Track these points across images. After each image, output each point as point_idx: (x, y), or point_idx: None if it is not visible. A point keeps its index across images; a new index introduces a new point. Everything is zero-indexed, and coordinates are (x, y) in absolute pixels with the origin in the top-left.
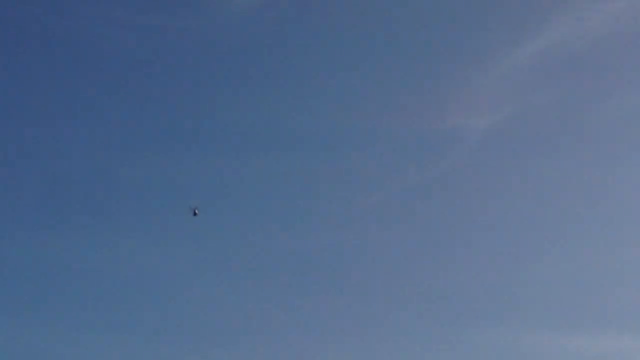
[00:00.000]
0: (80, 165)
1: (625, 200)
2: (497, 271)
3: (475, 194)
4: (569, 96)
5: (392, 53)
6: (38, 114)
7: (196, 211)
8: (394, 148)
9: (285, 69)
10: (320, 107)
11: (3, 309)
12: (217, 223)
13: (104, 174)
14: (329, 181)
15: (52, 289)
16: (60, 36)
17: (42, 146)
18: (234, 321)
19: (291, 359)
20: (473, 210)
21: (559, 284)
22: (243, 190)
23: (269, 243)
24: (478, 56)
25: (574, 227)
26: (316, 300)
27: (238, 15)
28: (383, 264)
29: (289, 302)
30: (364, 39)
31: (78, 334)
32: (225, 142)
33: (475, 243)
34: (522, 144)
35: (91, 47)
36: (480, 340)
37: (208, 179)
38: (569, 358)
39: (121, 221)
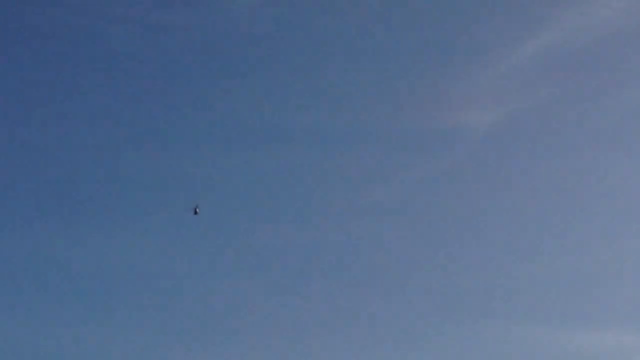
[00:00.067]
0: (79, 162)
1: (628, 196)
2: (502, 267)
3: (479, 190)
4: (573, 92)
5: (394, 49)
6: (38, 111)
7: (197, 209)
8: (396, 144)
9: (287, 65)
10: (324, 102)
11: (2, 307)
12: (217, 219)
13: (103, 170)
14: (332, 177)
15: (51, 286)
16: (64, 32)
17: (42, 142)
18: (234, 318)
19: (294, 356)
20: (476, 206)
21: (564, 280)
22: (245, 187)
23: (271, 239)
24: (481, 52)
25: (577, 223)
26: (318, 296)
27: (238, 14)
28: (386, 260)
29: (291, 298)
30: (366, 35)
31: (78, 331)
32: (227, 139)
33: (478, 239)
34: (525, 140)
35: (91, 43)
36: (485, 336)
37: (210, 174)
38: (571, 354)
39: (121, 218)
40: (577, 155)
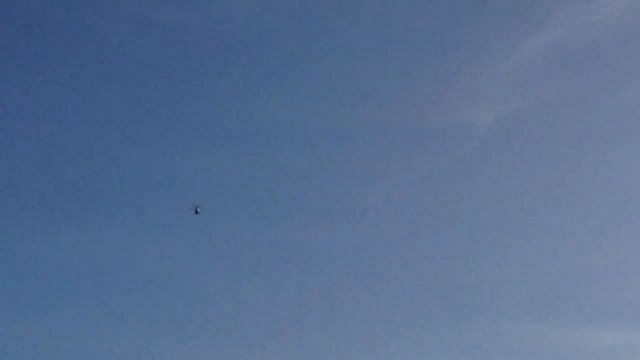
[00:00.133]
0: (80, 162)
1: (632, 193)
2: (505, 264)
3: (483, 186)
4: (577, 89)
5: (399, 46)
6: (38, 110)
7: (198, 209)
8: (401, 141)
9: (291, 64)
10: (328, 101)
11: (4, 306)
12: (220, 218)
13: (105, 170)
14: (332, 177)
15: (52, 285)
16: (64, 30)
17: (43, 142)
18: (234, 316)
19: (294, 354)
20: (480, 202)
21: (564, 278)
22: (246, 186)
23: (274, 237)
24: (486, 49)
25: (578, 221)
26: (321, 294)
27: (239, 13)
28: (388, 257)
29: (294, 296)
30: (373, 32)
31: (78, 330)
32: (229, 138)
33: (481, 235)
34: (529, 137)
35: (91, 41)
36: (487, 334)
37: (211, 174)
38: (576, 351)
39: (121, 217)
40: (578, 153)
